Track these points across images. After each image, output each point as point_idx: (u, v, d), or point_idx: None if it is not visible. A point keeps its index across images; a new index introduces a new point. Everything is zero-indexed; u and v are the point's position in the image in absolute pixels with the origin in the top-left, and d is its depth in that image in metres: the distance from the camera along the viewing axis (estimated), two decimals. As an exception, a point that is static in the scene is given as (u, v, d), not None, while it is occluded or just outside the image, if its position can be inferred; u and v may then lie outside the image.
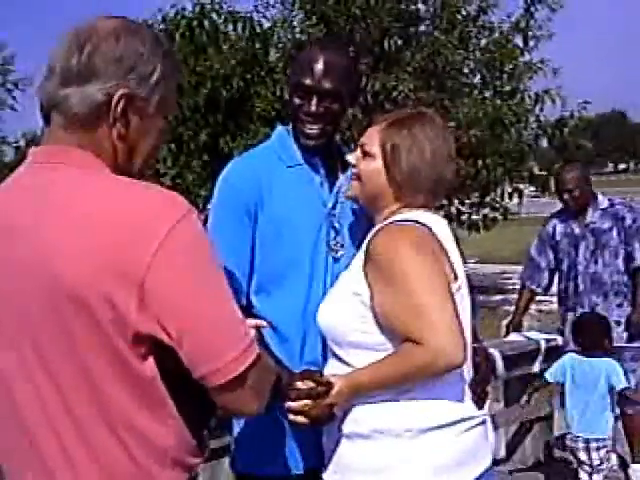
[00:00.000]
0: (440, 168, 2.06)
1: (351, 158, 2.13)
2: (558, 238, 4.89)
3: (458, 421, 1.97)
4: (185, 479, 1.40)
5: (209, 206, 2.31)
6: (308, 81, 2.17)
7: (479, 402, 2.05)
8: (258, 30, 11.05)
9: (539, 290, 5.05)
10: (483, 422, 2.04)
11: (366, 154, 2.09)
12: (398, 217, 2.03)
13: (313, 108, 2.17)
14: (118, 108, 1.38)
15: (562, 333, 4.93)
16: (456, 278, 1.98)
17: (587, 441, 4.22)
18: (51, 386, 1.32)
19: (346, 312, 1.99)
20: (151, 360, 1.32)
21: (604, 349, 4.29)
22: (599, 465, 4.22)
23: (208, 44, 10.87)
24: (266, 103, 10.51)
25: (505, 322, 5.28)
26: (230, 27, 11.06)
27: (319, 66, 2.16)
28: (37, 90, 1.44)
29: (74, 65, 1.37)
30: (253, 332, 1.49)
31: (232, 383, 1.32)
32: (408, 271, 1.88)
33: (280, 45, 11.28)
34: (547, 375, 4.39)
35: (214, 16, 11.02)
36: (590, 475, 4.24)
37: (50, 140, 1.42)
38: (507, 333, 5.10)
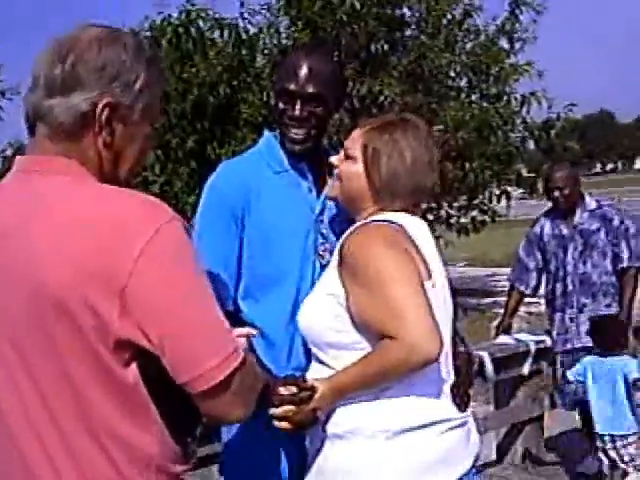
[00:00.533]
0: (420, 176, 2.07)
1: (334, 160, 2.15)
2: (546, 239, 4.91)
3: (436, 422, 1.97)
4: None
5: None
6: (292, 86, 2.18)
7: (461, 405, 2.05)
8: (244, 36, 11.07)
9: (527, 291, 5.06)
10: (463, 424, 2.04)
11: (348, 156, 2.11)
12: (372, 218, 2.04)
13: (297, 112, 2.18)
14: (103, 117, 1.38)
15: (550, 334, 4.94)
16: (430, 276, 1.99)
17: (613, 439, 4.25)
18: (34, 392, 1.32)
19: (322, 312, 2.00)
20: (134, 366, 1.32)
21: (622, 347, 4.34)
22: (631, 461, 4.24)
23: (194, 51, 10.87)
24: (253, 109, 10.52)
25: (494, 324, 5.29)
26: (216, 34, 11.07)
27: (303, 71, 2.17)
28: (23, 101, 1.45)
29: (58, 75, 1.38)
30: (243, 340, 1.48)
31: (215, 390, 1.31)
32: (380, 268, 1.88)
33: (266, 51, 11.30)
34: (568, 374, 4.43)
35: (200, 23, 11.03)
36: (625, 473, 4.26)
37: (36, 150, 1.42)
38: (496, 335, 5.11)
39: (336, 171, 2.13)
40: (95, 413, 1.31)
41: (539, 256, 4.97)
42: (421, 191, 2.09)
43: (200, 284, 1.35)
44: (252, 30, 11.37)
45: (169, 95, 10.34)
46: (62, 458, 1.32)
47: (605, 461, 4.35)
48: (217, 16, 11.15)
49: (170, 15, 11.06)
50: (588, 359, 4.39)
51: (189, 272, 1.34)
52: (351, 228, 2.05)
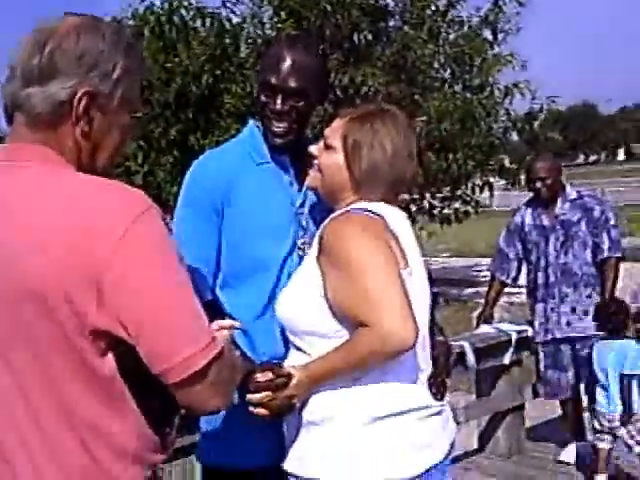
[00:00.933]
0: (400, 166, 2.08)
1: (313, 149, 2.14)
2: (527, 229, 4.93)
3: (412, 409, 1.98)
4: (146, 476, 1.40)
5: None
6: (274, 79, 2.17)
7: (437, 394, 2.07)
8: (227, 26, 11.02)
9: (508, 281, 5.09)
10: (439, 412, 2.05)
11: (328, 147, 2.10)
12: (351, 207, 2.05)
13: (279, 106, 2.17)
14: (80, 106, 1.38)
15: (532, 324, 4.97)
16: (407, 265, 1.99)
17: (622, 416, 4.27)
18: (12, 383, 1.32)
19: (300, 300, 2.01)
20: (110, 357, 1.32)
21: (626, 330, 4.37)
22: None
23: (177, 40, 10.81)
24: (236, 99, 10.48)
25: (476, 314, 5.32)
26: (199, 23, 11.02)
27: (285, 64, 2.16)
28: (0, 90, 1.44)
29: (35, 65, 1.37)
30: (225, 332, 1.48)
31: (190, 380, 1.31)
32: (357, 256, 1.89)
33: (250, 41, 11.26)
34: (602, 404, 4.41)
35: (183, 12, 10.97)
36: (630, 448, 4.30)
37: (14, 139, 1.41)
38: (477, 325, 5.13)
39: (315, 161, 2.13)
40: (72, 404, 1.31)
41: (519, 246, 4.99)
42: (401, 181, 2.10)
43: (177, 274, 1.34)
44: (235, 20, 11.33)
45: (152, 85, 10.29)
46: (39, 448, 1.32)
47: (606, 445, 4.37)
48: (200, 5, 11.10)
49: (153, 4, 11.00)
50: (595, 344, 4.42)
51: (166, 261, 1.33)
52: (330, 217, 2.05)
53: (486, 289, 5.33)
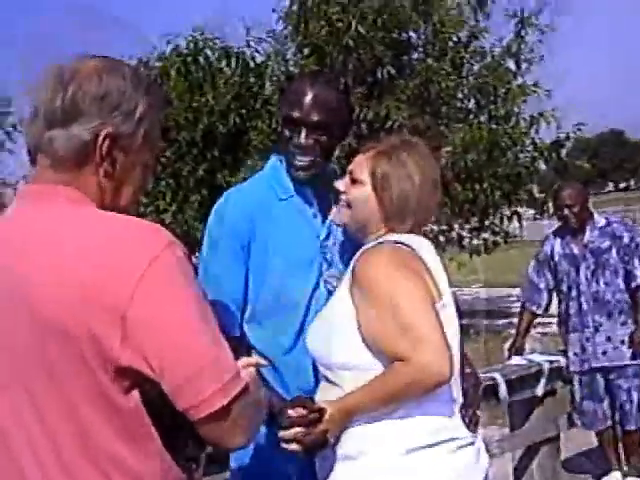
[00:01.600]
0: (427, 196, 2.10)
1: (340, 185, 2.15)
2: (557, 259, 4.88)
3: (446, 441, 1.96)
4: None
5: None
6: (297, 114, 2.19)
7: (470, 425, 2.04)
8: (252, 64, 11.16)
9: (539, 311, 5.04)
10: (472, 443, 2.04)
11: (355, 181, 2.11)
12: (383, 239, 2.05)
13: (302, 140, 2.19)
14: (104, 147, 1.40)
15: (565, 354, 4.90)
16: (441, 297, 1.99)
17: None
18: (35, 417, 1.33)
19: (334, 334, 2.00)
20: (135, 393, 1.32)
21: None
22: None
23: (203, 80, 10.96)
24: (263, 136, 10.58)
25: (507, 345, 5.26)
26: (224, 63, 11.17)
27: (307, 99, 2.18)
28: (23, 131, 1.46)
29: (58, 106, 1.39)
30: (251, 369, 1.48)
31: (214, 416, 1.31)
32: (391, 290, 1.89)
33: (274, 78, 11.38)
34: None
35: (208, 52, 11.13)
36: None
37: (38, 180, 1.43)
38: (509, 356, 5.07)
39: (343, 197, 2.14)
40: (96, 439, 1.31)
41: (549, 276, 4.94)
42: (428, 211, 2.13)
43: (200, 309, 1.34)
44: (259, 58, 11.48)
45: (179, 124, 10.42)
46: (58, 476, 1.32)
47: None
48: (224, 45, 11.26)
49: (178, 45, 11.18)
50: None
51: (188, 297, 1.34)
52: (362, 249, 2.06)
53: (514, 320, 5.28)
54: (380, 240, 2.05)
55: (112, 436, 1.32)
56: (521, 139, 11.30)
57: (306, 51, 10.83)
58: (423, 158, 2.12)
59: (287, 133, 2.22)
